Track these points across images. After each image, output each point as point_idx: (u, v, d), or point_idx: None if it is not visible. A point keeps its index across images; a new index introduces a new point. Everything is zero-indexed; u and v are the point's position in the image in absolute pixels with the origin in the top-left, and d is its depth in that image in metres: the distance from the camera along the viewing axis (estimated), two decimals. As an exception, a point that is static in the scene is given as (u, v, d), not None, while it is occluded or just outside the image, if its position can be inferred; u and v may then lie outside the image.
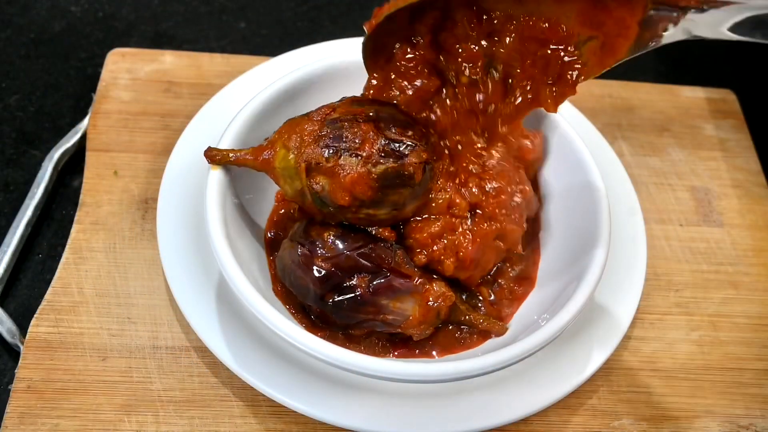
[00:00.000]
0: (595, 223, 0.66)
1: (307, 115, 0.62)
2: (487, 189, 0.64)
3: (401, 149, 0.59)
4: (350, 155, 0.59)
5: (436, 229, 0.63)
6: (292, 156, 0.61)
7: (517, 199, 0.67)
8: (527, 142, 0.69)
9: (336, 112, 0.61)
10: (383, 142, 0.59)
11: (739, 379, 0.71)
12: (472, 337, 0.66)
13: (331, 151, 0.59)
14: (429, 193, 0.63)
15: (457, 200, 0.63)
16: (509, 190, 0.66)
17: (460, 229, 0.64)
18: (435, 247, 0.63)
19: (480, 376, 0.59)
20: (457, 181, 0.64)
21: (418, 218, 0.63)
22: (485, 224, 0.64)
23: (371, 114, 0.61)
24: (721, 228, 0.81)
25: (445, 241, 0.63)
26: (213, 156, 0.64)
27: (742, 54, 1.03)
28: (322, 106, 0.63)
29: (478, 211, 0.64)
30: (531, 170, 0.72)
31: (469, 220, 0.64)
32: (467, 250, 0.63)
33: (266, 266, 0.68)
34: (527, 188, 0.68)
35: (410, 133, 0.61)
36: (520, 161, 0.69)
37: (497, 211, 0.64)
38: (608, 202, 0.68)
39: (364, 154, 0.59)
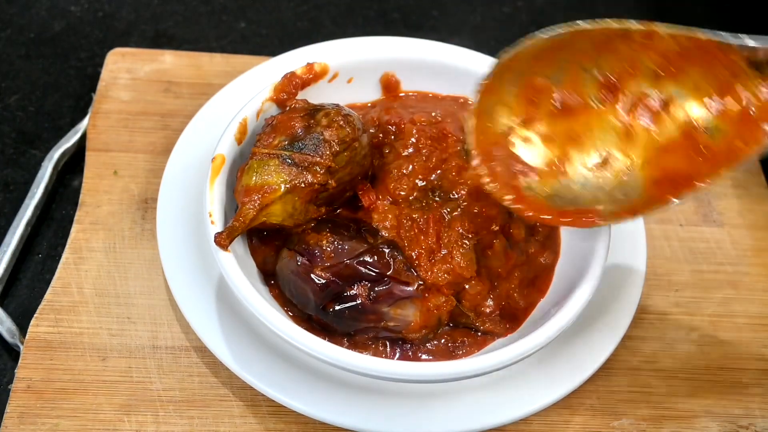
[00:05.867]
0: (595, 223, 0.66)
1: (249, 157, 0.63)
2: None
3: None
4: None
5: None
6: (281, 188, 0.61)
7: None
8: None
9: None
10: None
11: (739, 379, 0.71)
12: (472, 346, 0.65)
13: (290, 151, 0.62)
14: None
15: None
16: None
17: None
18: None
19: (480, 376, 0.59)
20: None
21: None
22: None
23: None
24: (721, 228, 0.81)
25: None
26: (223, 240, 0.60)
27: (742, 54, 1.03)
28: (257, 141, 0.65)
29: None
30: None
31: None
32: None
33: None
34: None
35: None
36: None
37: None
38: (608, 202, 0.67)
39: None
